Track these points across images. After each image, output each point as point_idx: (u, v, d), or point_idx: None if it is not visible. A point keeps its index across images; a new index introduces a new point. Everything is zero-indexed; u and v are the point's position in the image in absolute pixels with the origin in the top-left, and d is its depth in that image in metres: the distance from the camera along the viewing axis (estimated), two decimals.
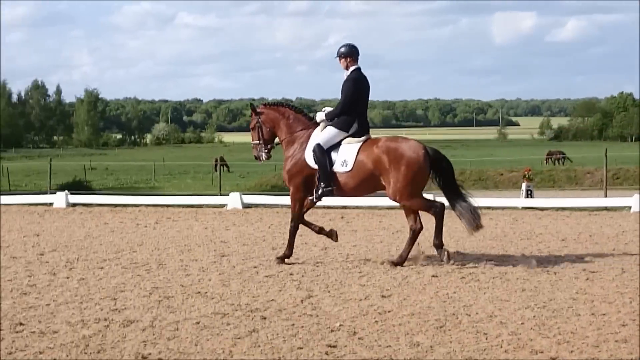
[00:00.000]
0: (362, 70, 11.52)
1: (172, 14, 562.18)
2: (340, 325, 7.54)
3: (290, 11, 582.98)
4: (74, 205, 22.01)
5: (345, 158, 11.18)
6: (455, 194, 11.27)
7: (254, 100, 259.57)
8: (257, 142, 11.98)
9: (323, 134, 11.36)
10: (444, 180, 11.25)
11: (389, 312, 8.16)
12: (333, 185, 11.21)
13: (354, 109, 11.35)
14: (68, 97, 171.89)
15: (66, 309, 8.34)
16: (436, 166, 11.17)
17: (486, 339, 7.08)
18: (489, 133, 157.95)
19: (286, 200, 21.54)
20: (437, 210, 11.04)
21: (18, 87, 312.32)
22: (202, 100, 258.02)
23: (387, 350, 6.73)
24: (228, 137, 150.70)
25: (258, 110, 12.04)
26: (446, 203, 11.36)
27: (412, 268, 10.78)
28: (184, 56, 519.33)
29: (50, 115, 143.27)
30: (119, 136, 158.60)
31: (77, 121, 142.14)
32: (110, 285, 9.66)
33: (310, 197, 11.48)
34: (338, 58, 11.50)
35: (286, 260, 11.42)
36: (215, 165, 48.14)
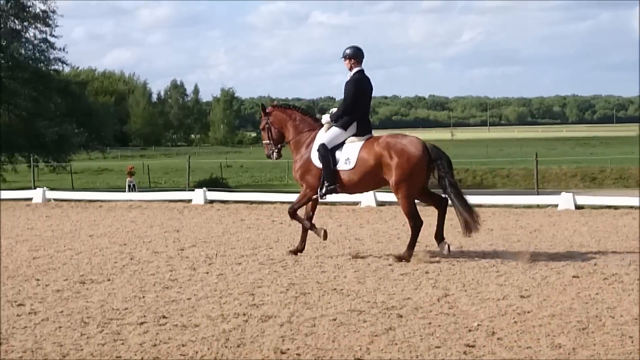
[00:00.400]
0: (366, 72, 11.93)
1: (306, 13, 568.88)
2: (478, 325, 7.43)
3: (424, 8, 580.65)
4: (212, 202, 22.51)
5: (349, 156, 11.62)
6: (454, 193, 11.47)
7: (386, 98, 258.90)
8: (268, 141, 12.55)
9: (327, 134, 11.80)
10: (443, 175, 11.49)
11: (528, 312, 7.98)
12: (336, 183, 11.63)
13: (356, 109, 11.76)
14: (205, 96, 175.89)
15: (206, 303, 8.53)
16: (437, 163, 11.46)
17: (632, 342, 6.83)
18: (631, 130, 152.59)
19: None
20: (442, 206, 11.55)
21: (157, 86, 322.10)
22: (334, 98, 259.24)
23: (527, 351, 6.58)
24: None
25: (267, 111, 12.55)
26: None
27: (551, 268, 10.53)
28: (317, 54, 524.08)
29: (188, 114, 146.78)
30: (254, 134, 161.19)
31: (214, 120, 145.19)
32: (248, 281, 9.82)
33: (315, 196, 11.86)
34: (343, 59, 11.90)
35: (298, 254, 11.93)
36: None
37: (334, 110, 12.11)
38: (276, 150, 12.53)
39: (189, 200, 22.81)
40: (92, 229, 16.09)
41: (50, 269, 10.91)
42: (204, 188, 23.85)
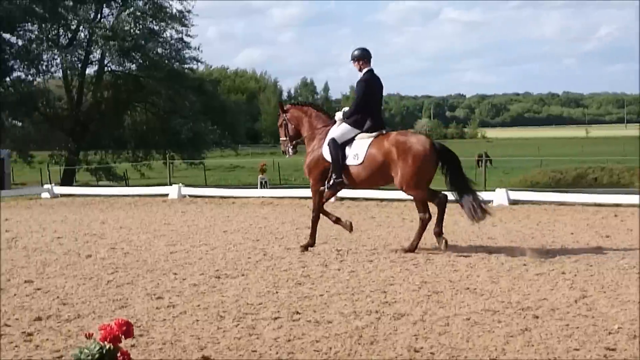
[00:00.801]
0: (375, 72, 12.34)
1: (437, 10, 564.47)
2: (619, 328, 7.18)
3: (560, 3, 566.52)
4: (342, 199, 22.60)
5: (357, 152, 12.05)
6: (461, 186, 11.96)
7: (518, 95, 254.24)
8: (284, 138, 13.16)
9: (337, 130, 12.27)
10: (450, 173, 11.96)
11: None
12: (344, 176, 12.10)
13: (366, 107, 12.16)
14: (334, 93, 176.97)
15: (338, 299, 8.56)
16: (443, 160, 11.94)
17: None
18: None
19: (553, 197, 21.03)
20: (441, 201, 11.87)
21: (288, 84, 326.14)
22: (464, 96, 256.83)
23: None
24: (491, 133, 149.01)
25: (285, 108, 13.14)
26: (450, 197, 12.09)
27: None
28: (447, 51, 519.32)
29: None
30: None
31: None
32: (379, 278, 9.81)
33: (322, 187, 12.38)
34: (352, 62, 12.32)
35: (309, 249, 12.33)
36: (479, 160, 47.69)
37: (346, 109, 12.52)
38: (292, 147, 13.09)
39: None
40: (226, 225, 16.43)
41: (187, 264, 11.19)
42: None
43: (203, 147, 44.21)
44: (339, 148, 12.11)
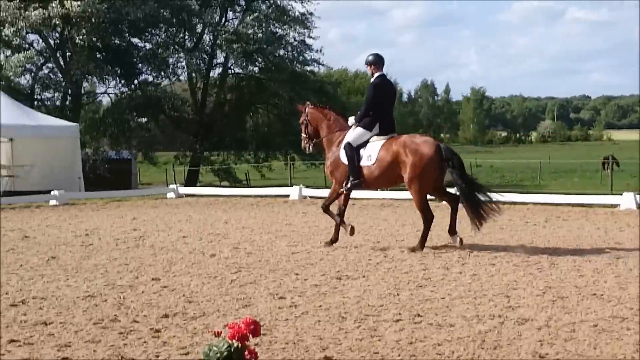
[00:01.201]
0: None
1: (562, 9, 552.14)
2: None
3: None
4: None
5: (370, 153, 12.76)
6: (466, 188, 12.48)
7: None
8: (304, 135, 13.97)
9: (352, 134, 12.98)
10: (456, 175, 12.45)
11: None
12: (361, 178, 12.80)
13: (377, 110, 12.89)
14: (455, 95, 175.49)
15: (460, 303, 8.47)
16: (448, 162, 12.43)
17: None
18: None
19: None
20: (454, 202, 12.68)
21: (408, 86, 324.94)
22: (590, 97, 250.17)
23: None
24: (618, 135, 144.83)
25: (307, 109, 13.88)
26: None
27: None
28: (572, 52, 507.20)
29: (438, 113, 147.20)
30: (504, 134, 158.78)
31: (463, 119, 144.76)
32: (502, 282, 9.66)
33: (341, 189, 13.14)
34: (367, 66, 13.20)
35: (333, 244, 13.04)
36: (604, 163, 46.47)
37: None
38: (311, 144, 13.88)
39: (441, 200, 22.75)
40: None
41: (308, 264, 11.29)
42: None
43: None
44: (354, 151, 12.84)
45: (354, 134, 12.97)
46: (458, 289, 9.29)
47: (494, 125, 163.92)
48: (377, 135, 12.88)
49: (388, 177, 12.85)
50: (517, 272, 10.38)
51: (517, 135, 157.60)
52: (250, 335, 4.75)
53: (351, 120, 13.26)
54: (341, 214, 13.29)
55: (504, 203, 21.54)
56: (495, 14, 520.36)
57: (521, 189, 32.08)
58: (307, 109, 13.89)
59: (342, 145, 13.02)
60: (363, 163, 12.80)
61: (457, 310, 8.09)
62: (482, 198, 12.57)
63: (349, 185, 12.96)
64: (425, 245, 12.57)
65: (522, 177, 53.08)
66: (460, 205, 12.66)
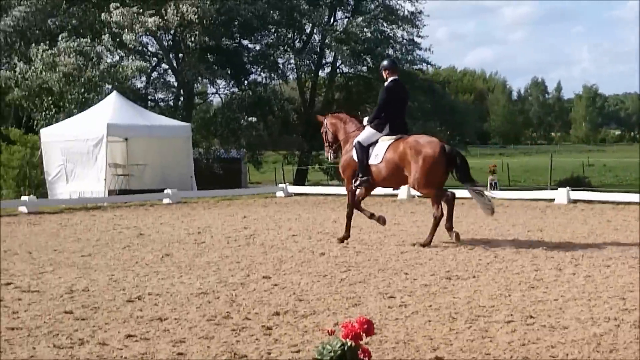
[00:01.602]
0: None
1: None
2: None
3: None
4: (575, 201, 21.92)
5: (378, 152, 13.27)
6: (470, 184, 13.14)
7: None
8: (326, 144, 14.59)
9: (363, 134, 13.54)
10: (459, 173, 13.06)
11: None
12: (369, 175, 13.34)
13: (388, 112, 13.41)
14: (567, 93, 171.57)
15: (574, 305, 8.31)
16: (452, 162, 12.98)
17: None
18: None
19: None
20: (449, 199, 13.05)
21: (518, 84, 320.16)
22: None
23: None
24: None
25: (324, 119, 14.62)
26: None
27: None
28: None
29: (549, 111, 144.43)
30: (618, 132, 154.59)
31: (575, 117, 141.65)
32: (617, 284, 9.43)
33: (351, 186, 13.69)
34: (382, 71, 13.83)
35: (345, 241, 13.56)
36: None
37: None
38: (332, 151, 14.55)
39: (552, 200, 22.40)
40: (455, 226, 16.31)
41: (417, 264, 11.26)
42: (567, 187, 23.25)
43: None
44: (364, 150, 13.37)
45: (365, 134, 13.53)
46: (571, 290, 9.11)
47: (607, 123, 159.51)
48: (386, 135, 13.39)
49: (395, 176, 13.32)
50: (633, 274, 10.11)
51: (632, 133, 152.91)
52: (364, 335, 4.77)
53: (364, 120, 13.88)
54: (357, 205, 13.87)
55: (618, 203, 21.09)
56: (610, 11, 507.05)
57: (636, 189, 31.22)
58: (325, 120, 14.57)
59: (353, 143, 13.59)
60: (371, 162, 13.32)
61: (571, 312, 7.94)
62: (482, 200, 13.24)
63: (357, 182, 13.51)
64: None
65: (636, 177, 51.58)
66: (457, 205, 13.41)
